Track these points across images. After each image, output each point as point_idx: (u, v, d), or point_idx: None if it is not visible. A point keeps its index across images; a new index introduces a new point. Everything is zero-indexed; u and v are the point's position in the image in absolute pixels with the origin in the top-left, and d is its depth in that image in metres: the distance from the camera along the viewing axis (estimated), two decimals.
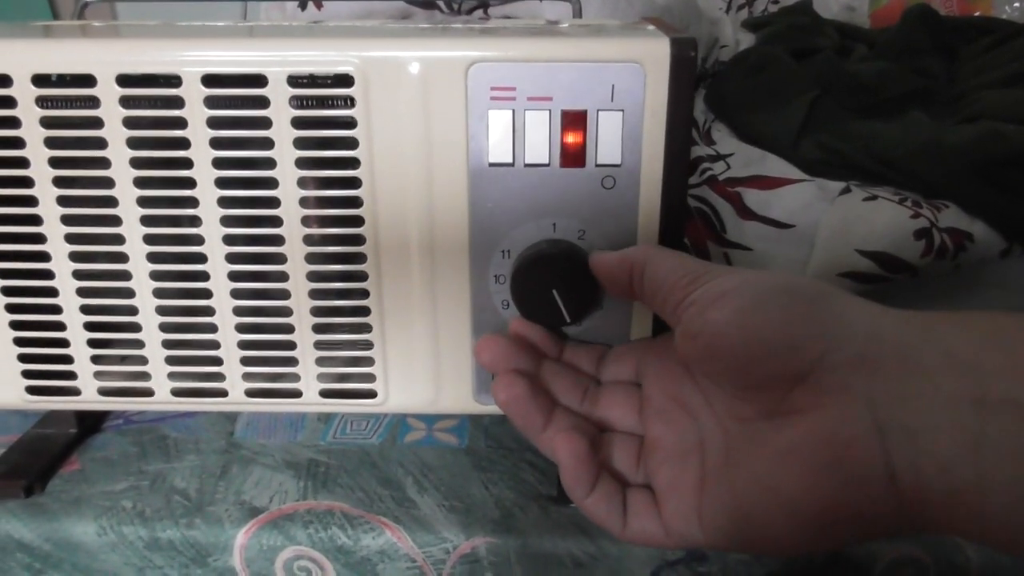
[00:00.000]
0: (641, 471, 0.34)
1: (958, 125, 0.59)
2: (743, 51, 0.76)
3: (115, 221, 0.36)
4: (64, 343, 0.39)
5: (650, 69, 0.34)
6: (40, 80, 0.35)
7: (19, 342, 0.39)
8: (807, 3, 0.92)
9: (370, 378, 0.39)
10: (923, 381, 0.25)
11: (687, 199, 0.37)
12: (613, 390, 0.37)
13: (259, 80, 0.34)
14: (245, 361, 0.39)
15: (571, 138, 0.35)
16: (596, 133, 0.35)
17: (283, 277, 0.37)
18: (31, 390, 0.40)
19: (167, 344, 0.39)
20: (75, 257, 0.37)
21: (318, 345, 0.38)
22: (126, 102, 0.35)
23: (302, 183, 0.36)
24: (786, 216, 0.53)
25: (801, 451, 0.27)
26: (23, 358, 0.39)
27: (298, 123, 0.35)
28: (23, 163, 0.36)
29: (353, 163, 0.35)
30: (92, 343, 0.39)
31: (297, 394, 0.39)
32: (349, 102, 0.35)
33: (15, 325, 0.39)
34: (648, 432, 0.35)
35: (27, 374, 0.40)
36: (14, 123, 0.35)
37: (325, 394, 0.39)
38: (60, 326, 0.39)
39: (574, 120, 0.35)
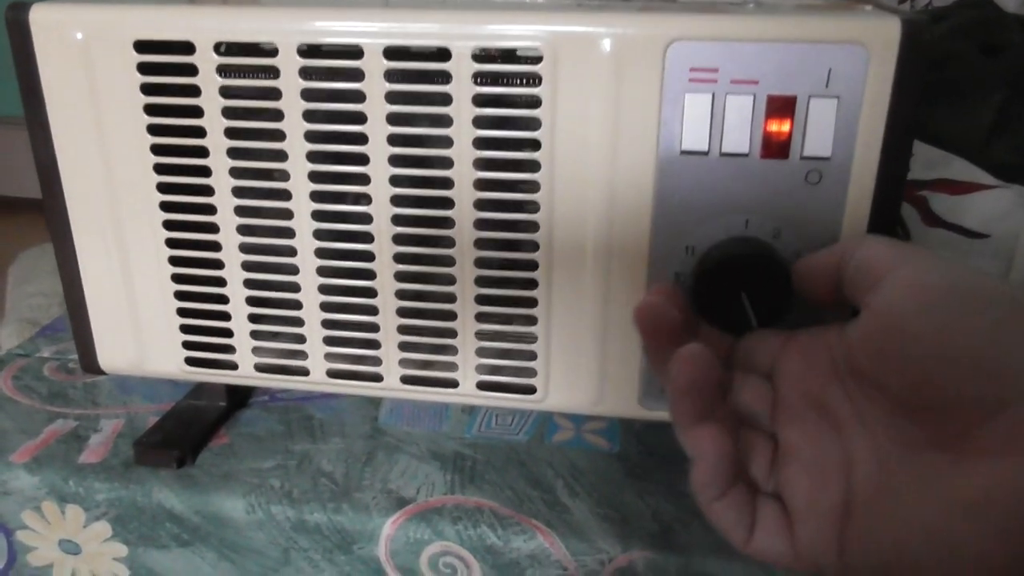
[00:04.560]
0: (772, 480, 0.30)
1: None
2: None
3: (285, 195, 0.36)
4: (225, 316, 0.38)
5: (875, 52, 0.30)
6: (221, 48, 0.34)
7: (182, 313, 0.39)
8: None
9: (531, 373, 0.37)
10: None
11: (902, 201, 0.33)
12: (745, 380, 0.32)
13: (443, 54, 0.32)
14: (403, 346, 0.37)
15: (775, 126, 0.32)
16: (804, 122, 0.31)
17: (449, 261, 0.35)
18: (190, 361, 0.40)
19: (326, 324, 0.38)
20: (243, 230, 0.37)
21: (480, 335, 0.37)
22: (305, 73, 0.34)
23: (478, 164, 0.34)
24: (979, 225, 0.48)
25: (993, 505, 0.23)
26: (185, 329, 0.39)
27: (479, 100, 0.33)
28: (200, 132, 0.35)
29: (533, 145, 0.33)
30: (252, 318, 0.38)
31: (453, 384, 0.38)
32: (535, 80, 0.32)
33: (180, 295, 0.39)
34: (782, 437, 0.31)
35: (187, 345, 0.40)
36: (194, 91, 0.35)
37: (482, 386, 0.38)
38: (223, 299, 0.38)
39: (781, 106, 0.31)
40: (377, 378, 0.38)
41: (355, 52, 0.33)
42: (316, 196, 0.35)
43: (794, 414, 0.30)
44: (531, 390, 0.37)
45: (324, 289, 0.37)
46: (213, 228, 0.37)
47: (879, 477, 0.27)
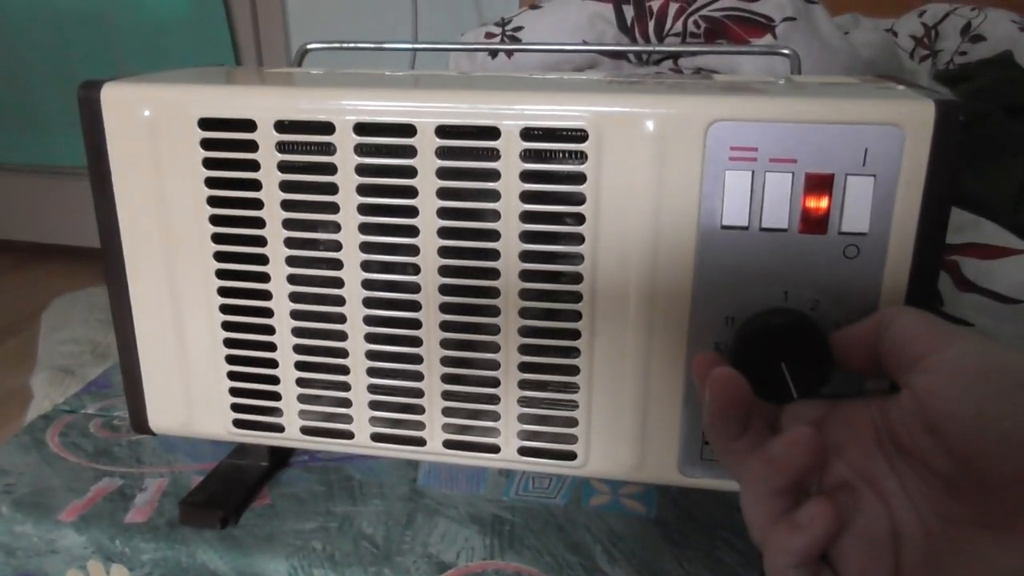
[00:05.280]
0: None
1: None
2: None
3: (336, 264, 0.37)
4: (274, 380, 0.40)
5: (911, 133, 0.31)
6: (282, 126, 0.36)
7: (232, 376, 0.40)
8: (1008, 55, 0.86)
9: (571, 439, 0.38)
10: None
11: (939, 275, 0.34)
12: None
13: (492, 132, 0.34)
14: (447, 412, 0.38)
15: (813, 203, 0.33)
16: (842, 199, 0.32)
17: (494, 329, 0.36)
18: (238, 423, 0.41)
19: (372, 388, 0.39)
20: (295, 298, 0.38)
21: (522, 401, 0.37)
22: (360, 150, 0.35)
23: (524, 236, 0.35)
24: (1011, 289, 0.49)
25: None
26: (234, 392, 0.40)
27: (526, 176, 0.34)
28: (257, 204, 0.37)
29: (578, 218, 0.34)
30: (300, 382, 0.39)
31: (495, 449, 0.38)
32: (579, 156, 0.34)
33: (231, 359, 0.40)
34: None
35: (236, 408, 0.41)
36: (254, 166, 0.36)
37: (523, 452, 0.38)
38: (273, 363, 0.39)
39: (819, 184, 0.32)
40: (420, 442, 0.39)
41: (408, 130, 0.34)
42: (367, 265, 0.37)
43: (842, 484, 0.31)
44: (572, 456, 0.38)
45: (371, 355, 0.38)
46: (266, 295, 0.38)
47: (926, 551, 0.27)
